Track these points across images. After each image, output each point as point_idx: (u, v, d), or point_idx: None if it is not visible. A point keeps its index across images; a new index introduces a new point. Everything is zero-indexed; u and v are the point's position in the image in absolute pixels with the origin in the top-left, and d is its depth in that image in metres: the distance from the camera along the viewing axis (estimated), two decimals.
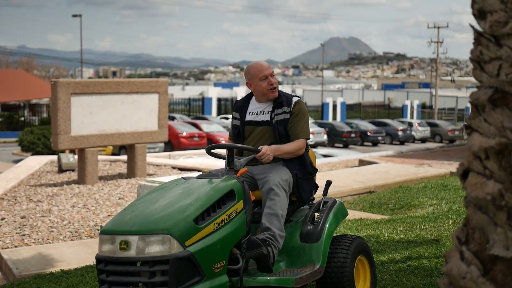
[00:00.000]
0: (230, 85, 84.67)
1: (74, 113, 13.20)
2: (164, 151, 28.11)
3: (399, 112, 68.72)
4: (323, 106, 57.62)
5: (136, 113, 14.25)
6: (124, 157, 17.35)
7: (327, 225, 4.64)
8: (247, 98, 4.99)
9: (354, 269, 4.69)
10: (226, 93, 68.17)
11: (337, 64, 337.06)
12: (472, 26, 2.13)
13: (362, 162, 14.92)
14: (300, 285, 4.30)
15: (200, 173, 4.67)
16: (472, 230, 2.16)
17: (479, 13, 2.07)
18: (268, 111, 4.81)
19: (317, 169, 4.95)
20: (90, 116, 13.49)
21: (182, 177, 4.44)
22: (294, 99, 4.83)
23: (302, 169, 4.71)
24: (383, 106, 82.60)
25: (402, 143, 43.51)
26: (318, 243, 4.55)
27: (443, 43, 61.40)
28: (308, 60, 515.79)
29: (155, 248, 3.66)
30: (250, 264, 4.34)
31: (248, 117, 4.86)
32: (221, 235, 3.90)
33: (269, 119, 4.77)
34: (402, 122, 47.32)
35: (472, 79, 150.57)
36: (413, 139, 44.69)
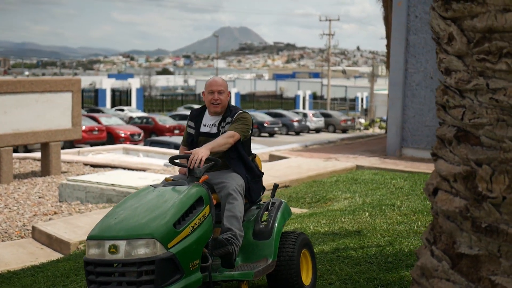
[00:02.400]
0: (124, 76, 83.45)
1: None
2: (64, 145, 27.72)
3: (292, 102, 70.33)
4: None
5: (50, 112, 14.36)
6: (34, 154, 17.33)
7: (276, 224, 5.25)
8: (203, 109, 5.51)
9: (300, 262, 5.33)
10: (119, 84, 67.51)
11: (228, 54, 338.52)
12: (440, 80, 2.79)
13: (272, 157, 15.60)
14: (257, 277, 4.90)
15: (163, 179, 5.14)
16: (439, 234, 2.83)
17: (446, 71, 2.72)
18: (216, 124, 5.35)
19: (263, 173, 5.54)
20: (4, 115, 13.50)
21: (151, 185, 4.91)
22: (239, 111, 5.37)
23: (251, 173, 5.28)
24: (276, 96, 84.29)
25: (297, 133, 44.81)
26: (269, 239, 5.15)
27: (334, 36, 63.53)
28: (199, 49, 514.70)
29: (142, 250, 4.14)
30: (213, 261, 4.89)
31: (203, 128, 5.40)
32: (195, 237, 4.43)
33: (217, 131, 5.31)
34: (297, 113, 48.63)
35: (360, 69, 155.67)
36: (308, 130, 46.09)
